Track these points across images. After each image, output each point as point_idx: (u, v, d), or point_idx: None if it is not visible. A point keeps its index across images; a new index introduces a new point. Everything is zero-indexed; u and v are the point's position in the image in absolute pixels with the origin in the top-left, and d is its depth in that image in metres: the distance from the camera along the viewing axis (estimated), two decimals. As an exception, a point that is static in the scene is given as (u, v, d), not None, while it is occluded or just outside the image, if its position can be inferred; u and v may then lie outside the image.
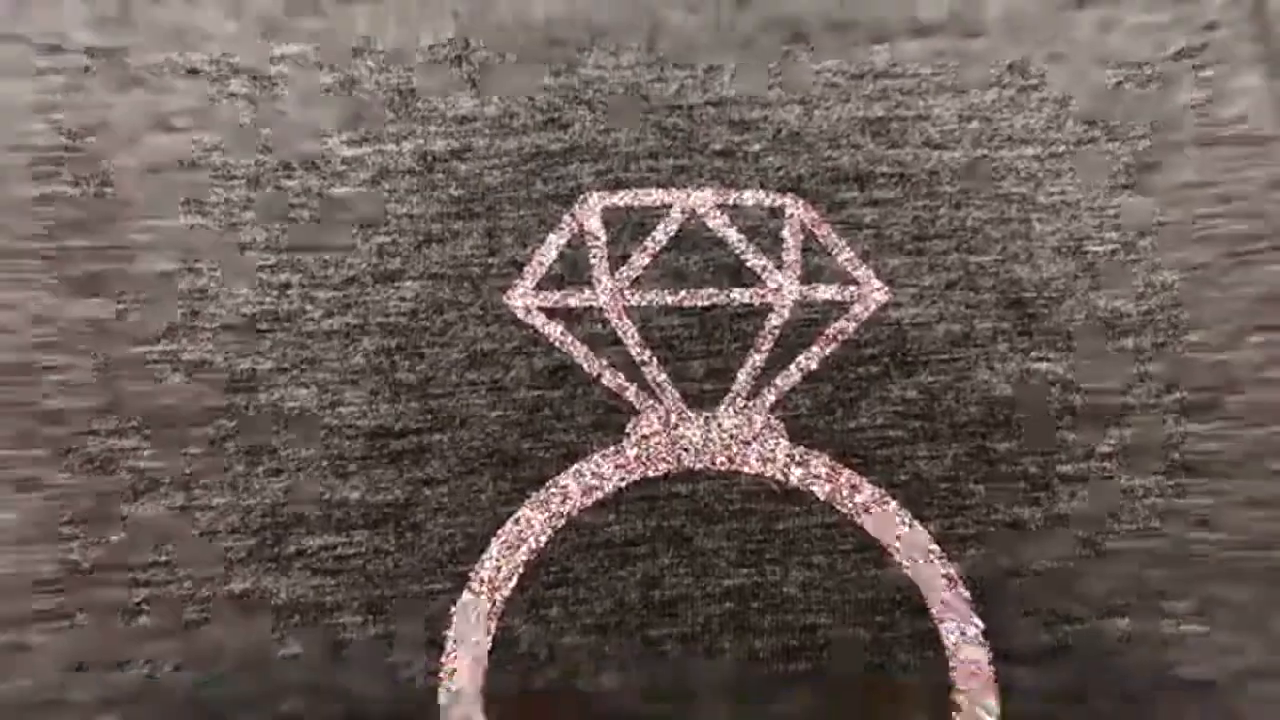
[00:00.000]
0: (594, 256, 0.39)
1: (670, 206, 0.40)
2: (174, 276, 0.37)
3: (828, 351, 0.38)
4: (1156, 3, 0.43)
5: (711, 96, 0.41)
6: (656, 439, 0.36)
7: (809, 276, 0.39)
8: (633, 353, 0.37)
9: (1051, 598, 0.34)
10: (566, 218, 0.39)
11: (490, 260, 0.38)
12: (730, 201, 0.40)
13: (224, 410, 0.36)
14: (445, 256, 0.38)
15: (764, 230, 0.39)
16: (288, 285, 0.38)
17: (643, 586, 0.34)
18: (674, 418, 0.36)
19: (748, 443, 0.36)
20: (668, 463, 0.36)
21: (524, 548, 0.34)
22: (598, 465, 0.36)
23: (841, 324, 0.38)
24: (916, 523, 0.35)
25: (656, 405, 0.37)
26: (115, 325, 0.37)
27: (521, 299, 0.38)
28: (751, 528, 0.35)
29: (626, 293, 0.38)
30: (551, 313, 0.38)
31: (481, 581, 0.34)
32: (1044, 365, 0.37)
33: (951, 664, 0.33)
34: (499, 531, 0.34)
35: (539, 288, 0.38)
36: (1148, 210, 0.39)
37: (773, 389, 0.37)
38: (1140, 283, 0.39)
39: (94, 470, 0.35)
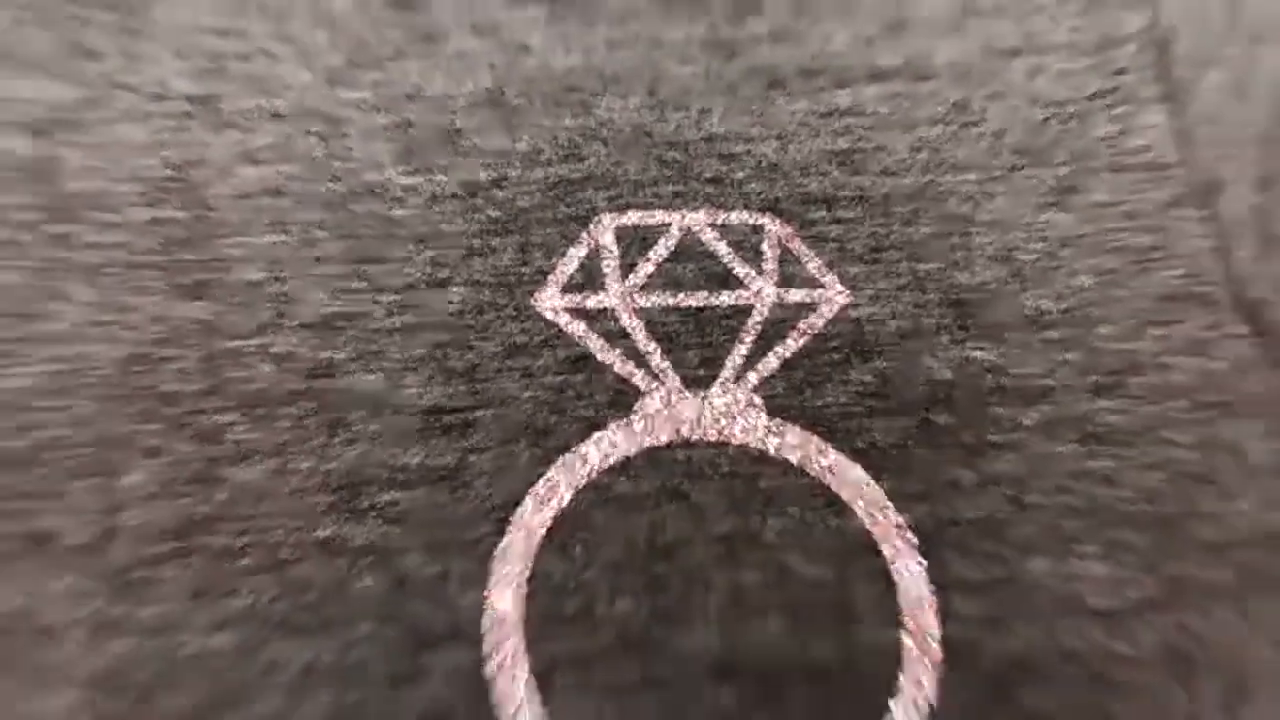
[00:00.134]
0: (607, 266, 0.40)
1: (670, 225, 0.41)
2: (263, 284, 0.39)
3: (800, 343, 0.39)
4: (1077, 53, 0.45)
5: (704, 134, 0.43)
6: (659, 415, 0.37)
7: (784, 282, 0.40)
8: (639, 345, 0.39)
9: (983, 543, 0.35)
10: (584, 235, 0.41)
11: (523, 270, 0.40)
12: (719, 221, 0.41)
13: (305, 393, 0.37)
14: (486, 267, 0.40)
15: (747, 244, 0.41)
16: (357, 291, 0.39)
17: (648, 532, 0.35)
18: (674, 398, 0.38)
19: (734, 418, 0.37)
20: (669, 434, 0.37)
21: (553, 502, 0.35)
22: (612, 435, 0.37)
23: (811, 320, 0.39)
24: (873, 482, 0.36)
25: (659, 387, 0.38)
26: (216, 324, 0.38)
27: (548, 301, 0.39)
28: (737, 486, 0.36)
29: (634, 296, 0.40)
30: (573, 313, 0.39)
31: (519, 529, 0.35)
32: (979, 353, 0.38)
33: (900, 595, 0.34)
34: (532, 489, 0.36)
35: (563, 292, 0.39)
36: (1069, 225, 0.41)
37: (754, 373, 0.38)
38: (1061, 285, 0.40)
39: (203, 441, 0.36)
